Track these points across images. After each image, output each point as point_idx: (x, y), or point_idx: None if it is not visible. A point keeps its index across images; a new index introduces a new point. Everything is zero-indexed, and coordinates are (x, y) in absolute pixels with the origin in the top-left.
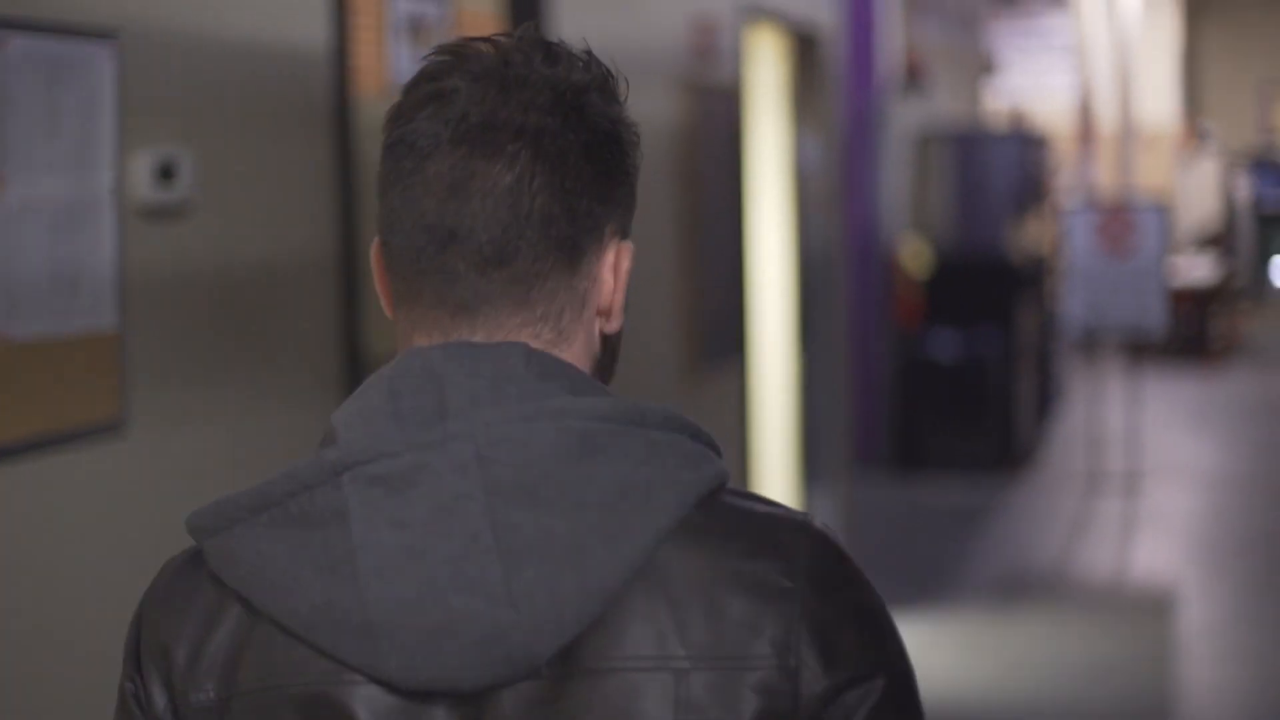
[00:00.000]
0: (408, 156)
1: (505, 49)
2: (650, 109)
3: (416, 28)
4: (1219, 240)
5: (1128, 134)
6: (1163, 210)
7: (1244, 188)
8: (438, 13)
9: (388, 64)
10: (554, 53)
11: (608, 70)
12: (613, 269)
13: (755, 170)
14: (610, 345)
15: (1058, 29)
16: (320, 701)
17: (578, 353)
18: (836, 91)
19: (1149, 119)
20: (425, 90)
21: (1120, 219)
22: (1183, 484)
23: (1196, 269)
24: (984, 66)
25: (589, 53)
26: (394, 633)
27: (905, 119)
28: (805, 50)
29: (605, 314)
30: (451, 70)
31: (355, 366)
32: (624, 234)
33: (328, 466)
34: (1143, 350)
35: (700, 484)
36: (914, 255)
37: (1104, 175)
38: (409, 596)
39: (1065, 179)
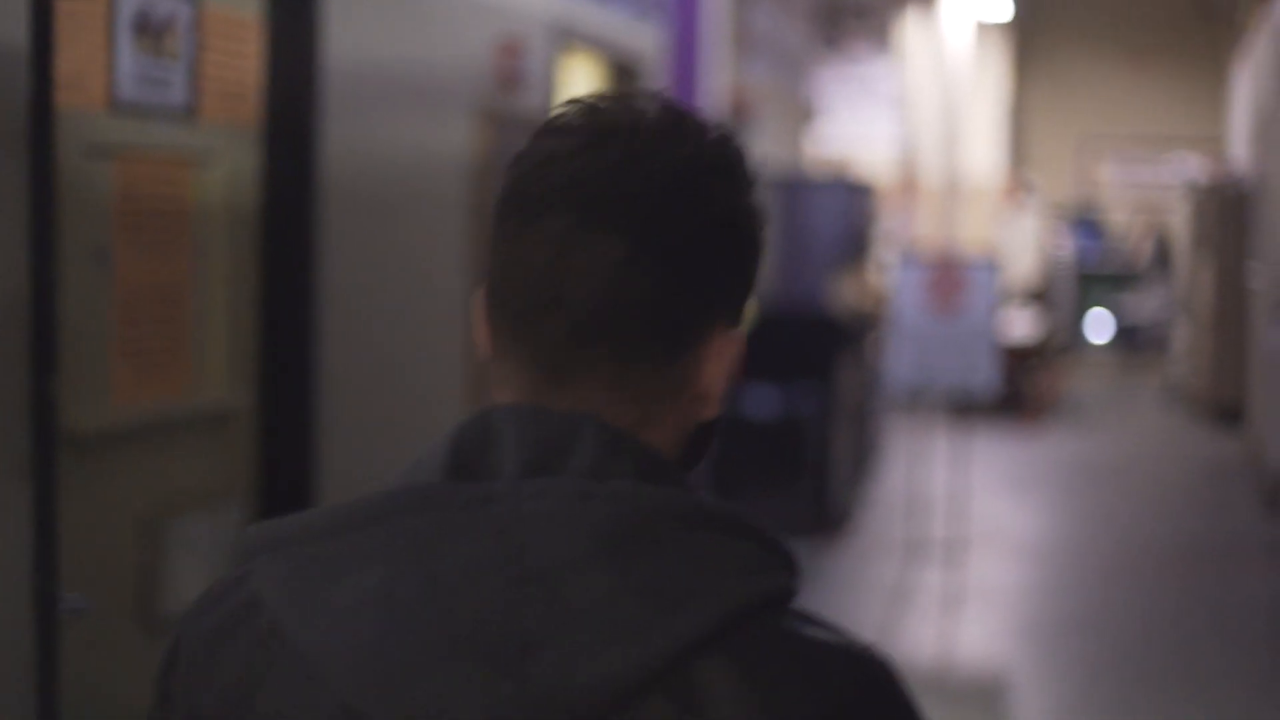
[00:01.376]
0: (518, 211)
1: (638, 115)
2: (441, 139)
3: (148, 29)
4: (1039, 296)
5: (953, 186)
6: (993, 267)
7: (1065, 244)
8: (174, 11)
9: (109, 71)
10: (686, 128)
11: (740, 150)
12: (717, 356)
13: None
14: (704, 430)
15: (882, 75)
16: None
17: (666, 436)
18: None
19: (973, 171)
20: (547, 146)
21: (951, 275)
22: (1008, 554)
23: (1018, 326)
24: (806, 112)
25: (724, 131)
26: (403, 688)
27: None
28: (625, 82)
29: (702, 400)
30: (578, 128)
31: (48, 448)
32: (735, 321)
33: (372, 509)
34: (967, 409)
35: (749, 596)
36: None
37: (926, 227)
38: (425, 656)
39: (887, 231)
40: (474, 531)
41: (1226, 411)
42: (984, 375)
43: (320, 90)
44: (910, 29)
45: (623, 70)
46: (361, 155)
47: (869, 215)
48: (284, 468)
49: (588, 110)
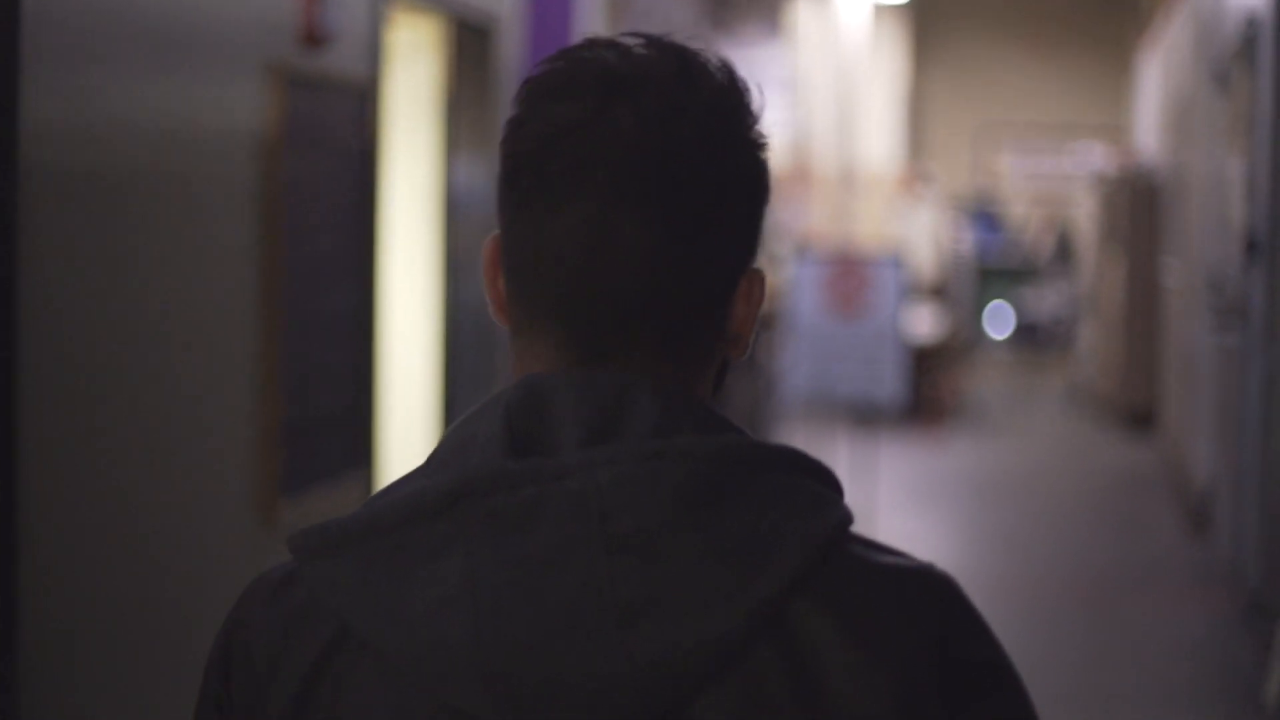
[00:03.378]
0: (538, 193)
1: (637, 64)
2: (215, 102)
3: None
4: (939, 292)
5: (848, 176)
6: (898, 263)
7: (965, 237)
8: None
9: None
10: (692, 73)
11: (745, 86)
12: (745, 297)
13: (394, 197)
14: (725, 365)
15: (773, 59)
16: None
17: (707, 383)
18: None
19: (869, 161)
20: (551, 113)
21: (852, 273)
22: None
23: (919, 324)
24: None
25: (727, 68)
26: (507, 675)
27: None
28: (472, 45)
29: (734, 342)
30: (578, 87)
31: None
32: (755, 258)
33: (444, 496)
34: (869, 417)
35: (824, 532)
36: None
37: (820, 219)
38: (523, 639)
39: (779, 222)
40: (552, 508)
41: (1137, 416)
42: (889, 384)
43: (19, 36)
44: (803, 11)
45: (471, 31)
46: (86, 124)
47: None
48: None
49: (581, 63)
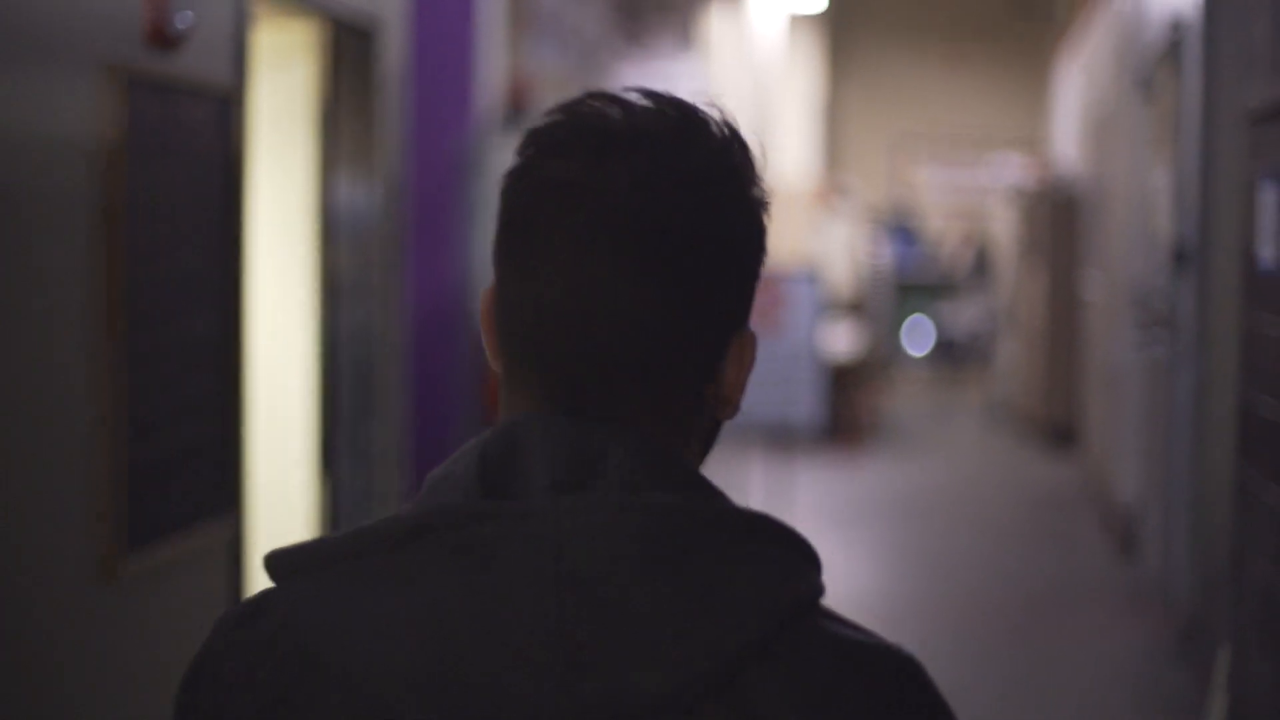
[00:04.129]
0: (527, 244)
1: (636, 121)
2: (46, 103)
3: None
4: (855, 308)
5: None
6: (814, 279)
7: (882, 252)
8: None
9: None
10: (691, 132)
11: (746, 148)
12: (737, 358)
13: (263, 213)
14: (715, 428)
15: (686, 71)
16: None
17: (694, 442)
18: (400, 111)
19: (784, 173)
20: (545, 168)
21: (765, 290)
22: (840, 610)
23: (833, 341)
24: None
25: (729, 127)
26: (455, 706)
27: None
28: (352, 49)
29: (725, 402)
30: (575, 143)
31: None
32: (748, 318)
33: (408, 527)
34: (785, 439)
35: (789, 602)
36: None
37: None
38: (473, 672)
39: None
40: (515, 546)
41: (1059, 432)
42: (806, 406)
43: None
44: (717, 22)
45: (351, 34)
46: None
47: None
48: None
49: (581, 118)
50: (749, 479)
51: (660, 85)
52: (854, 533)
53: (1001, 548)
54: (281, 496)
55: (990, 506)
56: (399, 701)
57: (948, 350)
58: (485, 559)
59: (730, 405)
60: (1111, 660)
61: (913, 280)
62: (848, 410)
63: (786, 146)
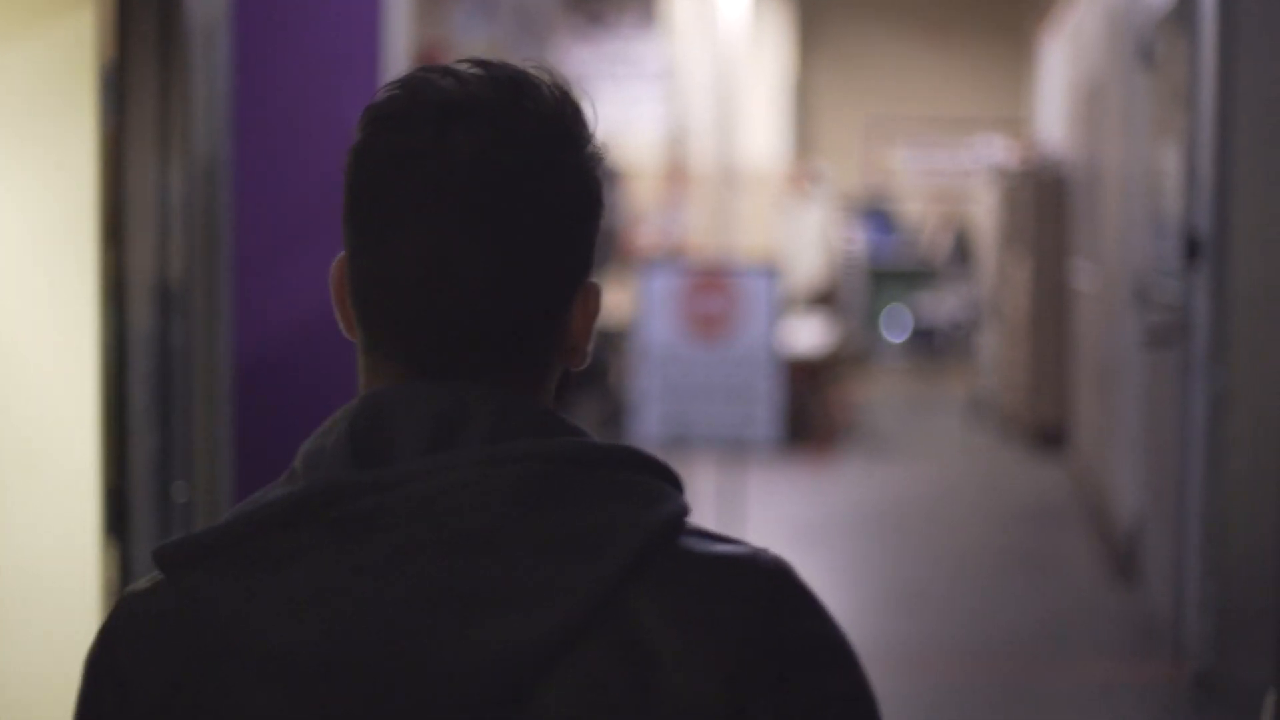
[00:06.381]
0: (376, 219)
1: (471, 91)
2: None
3: None
4: (827, 299)
5: (729, 174)
6: (772, 273)
7: (857, 239)
8: None
9: None
10: (523, 97)
11: (578, 106)
12: (582, 309)
13: (23, 199)
14: (567, 375)
15: (649, 51)
16: None
17: (547, 390)
18: (221, 73)
19: (752, 158)
20: (389, 143)
21: (714, 288)
22: None
23: (804, 335)
24: None
25: (560, 89)
26: (356, 676)
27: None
28: (146, 1)
29: (574, 351)
30: (415, 117)
31: None
32: (591, 270)
33: (289, 508)
34: (742, 451)
35: (656, 524)
36: None
37: (699, 221)
38: (368, 641)
39: (651, 229)
40: (393, 513)
41: (1045, 434)
42: (764, 422)
43: None
44: None
45: None
46: None
47: (622, 210)
48: None
49: (418, 91)
50: (699, 494)
51: (621, 64)
52: (815, 557)
53: (985, 572)
54: (50, 572)
55: (971, 522)
56: (303, 678)
57: (926, 340)
58: (366, 531)
59: (578, 354)
60: (1114, 713)
61: (890, 268)
62: (818, 411)
63: (754, 130)
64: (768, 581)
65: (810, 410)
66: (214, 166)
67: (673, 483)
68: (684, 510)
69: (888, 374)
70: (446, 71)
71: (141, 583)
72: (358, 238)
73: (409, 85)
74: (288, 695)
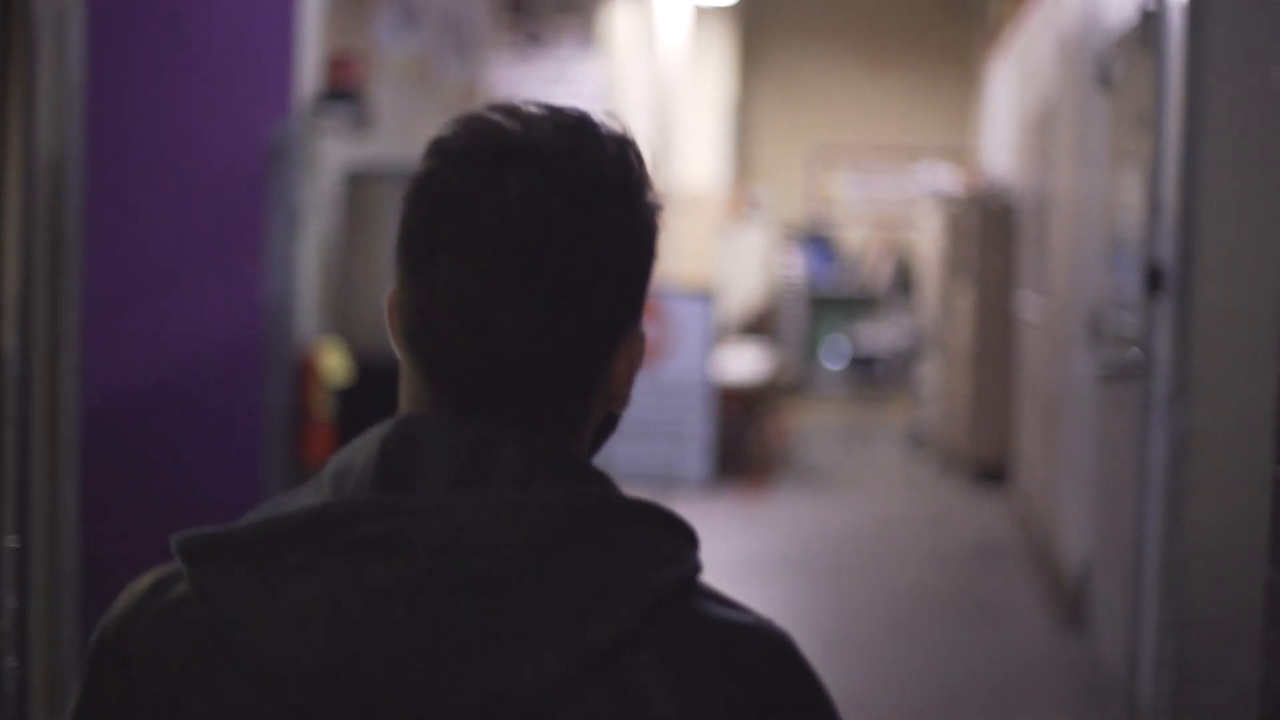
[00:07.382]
0: (428, 254)
1: (532, 134)
2: None
3: None
4: (765, 326)
5: (667, 198)
6: (709, 298)
7: (797, 265)
8: None
9: None
10: (584, 145)
11: (638, 159)
12: (626, 356)
13: None
14: (609, 419)
15: (587, 72)
16: None
17: (585, 436)
18: (72, 69)
19: (690, 182)
20: (445, 180)
21: (650, 310)
22: None
23: (741, 363)
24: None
25: (623, 140)
26: (355, 696)
27: (336, 154)
28: None
29: (615, 398)
30: (473, 155)
31: None
32: (639, 319)
33: (311, 521)
34: (673, 484)
35: (666, 583)
36: (334, 358)
37: None
38: (372, 664)
39: None
40: (409, 543)
41: (988, 470)
42: (696, 458)
43: None
44: (620, 17)
45: None
46: None
47: None
48: None
49: (479, 129)
50: None
51: (559, 84)
52: (746, 599)
53: (924, 618)
54: None
55: (910, 561)
56: (300, 690)
57: (867, 369)
58: (382, 554)
59: (621, 401)
60: None
61: (830, 295)
62: (753, 441)
63: (693, 153)
64: (765, 651)
65: (745, 441)
66: (60, 169)
67: (690, 540)
68: (696, 569)
69: (826, 403)
70: (512, 112)
71: (147, 577)
72: (405, 269)
73: (473, 124)
74: (280, 705)
